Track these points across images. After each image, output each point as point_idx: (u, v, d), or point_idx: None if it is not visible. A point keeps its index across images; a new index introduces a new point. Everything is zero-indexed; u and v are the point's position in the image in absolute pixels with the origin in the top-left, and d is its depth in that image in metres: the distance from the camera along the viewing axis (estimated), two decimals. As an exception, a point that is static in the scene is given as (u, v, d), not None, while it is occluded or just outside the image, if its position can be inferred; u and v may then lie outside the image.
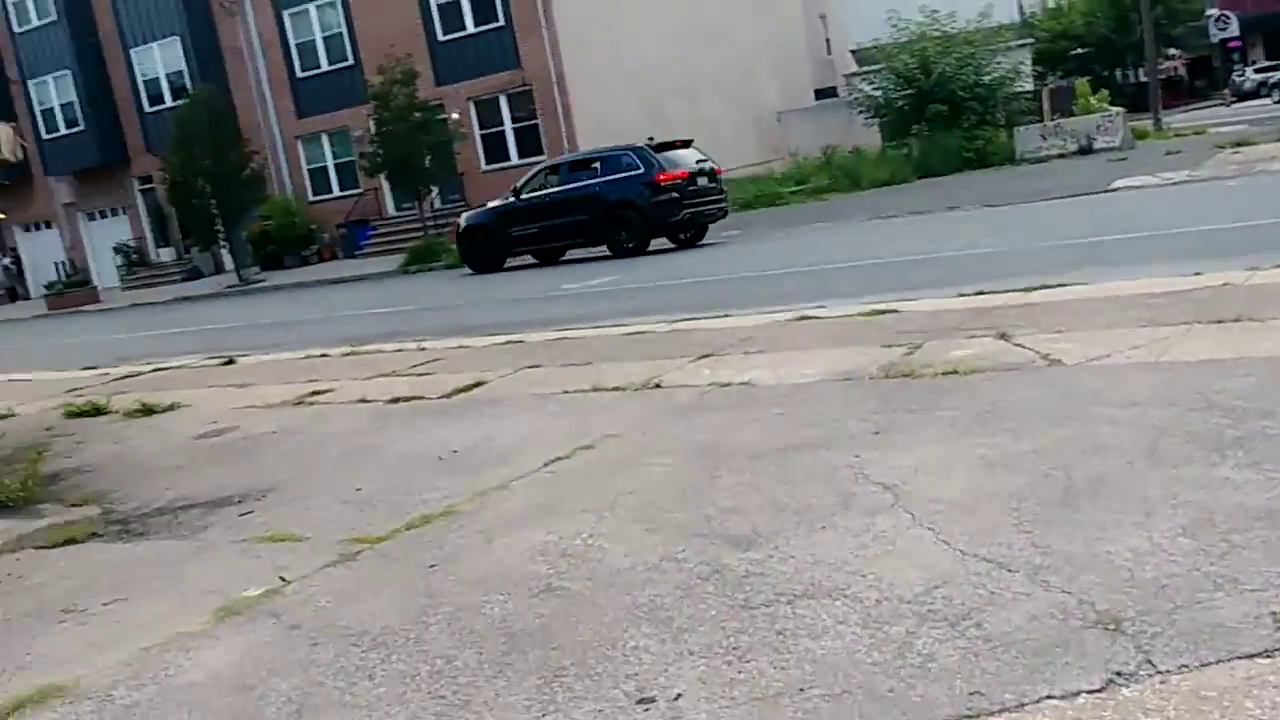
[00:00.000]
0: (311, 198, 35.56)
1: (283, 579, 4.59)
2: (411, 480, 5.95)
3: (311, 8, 34.09)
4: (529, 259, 23.49)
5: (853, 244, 16.79)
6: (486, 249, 23.12)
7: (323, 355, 12.17)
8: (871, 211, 21.80)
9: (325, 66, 34.21)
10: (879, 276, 12.50)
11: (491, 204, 23.78)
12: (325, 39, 34.15)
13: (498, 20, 30.80)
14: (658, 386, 7.35)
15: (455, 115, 31.61)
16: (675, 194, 20.64)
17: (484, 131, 31.88)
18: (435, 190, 31.72)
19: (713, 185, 21.82)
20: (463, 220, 24.23)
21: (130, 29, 37.05)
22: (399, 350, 11.52)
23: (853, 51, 38.42)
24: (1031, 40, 41.44)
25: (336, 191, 34.81)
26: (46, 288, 39.46)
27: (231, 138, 32.00)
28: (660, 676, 3.18)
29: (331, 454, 7.01)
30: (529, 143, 31.15)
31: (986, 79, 31.54)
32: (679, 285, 15.32)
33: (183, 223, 33.70)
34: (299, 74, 34.84)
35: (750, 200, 27.30)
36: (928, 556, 3.69)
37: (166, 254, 39.35)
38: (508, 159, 31.66)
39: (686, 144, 22.60)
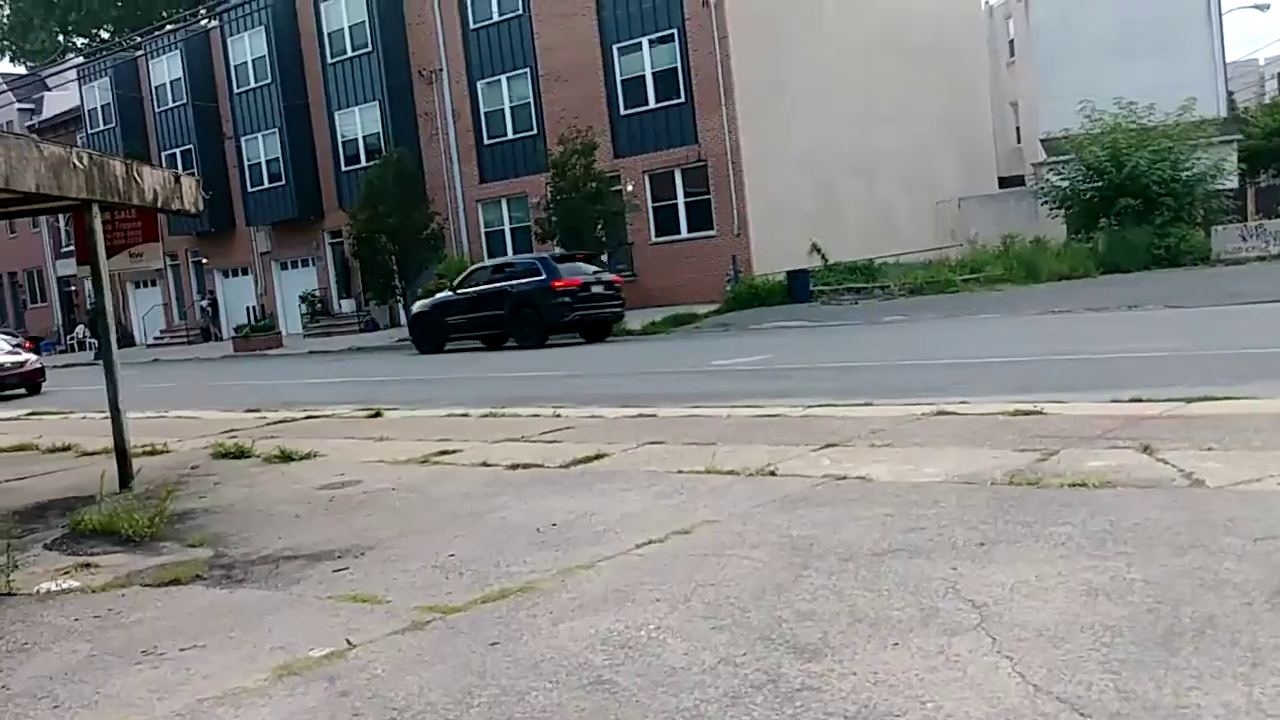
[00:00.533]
0: (487, 260, 36.48)
1: (349, 642, 4.55)
2: (504, 551, 5.88)
3: (504, 79, 35.23)
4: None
5: (1014, 337, 16.24)
6: (429, 333, 26.92)
7: (463, 415, 12.31)
8: (1044, 305, 21.07)
9: (510, 135, 35.25)
10: (1033, 373, 12.00)
11: (436, 296, 27.50)
12: (513, 108, 35.21)
13: (679, 97, 31.21)
14: (772, 474, 7.13)
15: (630, 187, 32.09)
16: (567, 298, 24.22)
17: (656, 204, 32.22)
18: (604, 258, 32.15)
19: (608, 293, 25.04)
20: (414, 307, 28.04)
21: (336, 93, 38.94)
22: (535, 415, 11.56)
23: (1042, 140, 37.56)
24: (1240, 136, 39.75)
25: (510, 255, 35.64)
26: (234, 330, 41.46)
27: (416, 198, 33.20)
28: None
29: (439, 516, 7.01)
30: (700, 218, 31.33)
31: (1184, 174, 30.30)
32: (823, 370, 15.01)
33: (364, 276, 34.98)
34: (485, 140, 35.98)
35: (919, 286, 26.79)
36: (997, 688, 3.39)
37: (348, 305, 40.91)
38: (677, 232, 31.90)
39: (589, 257, 26.48)
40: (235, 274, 46.38)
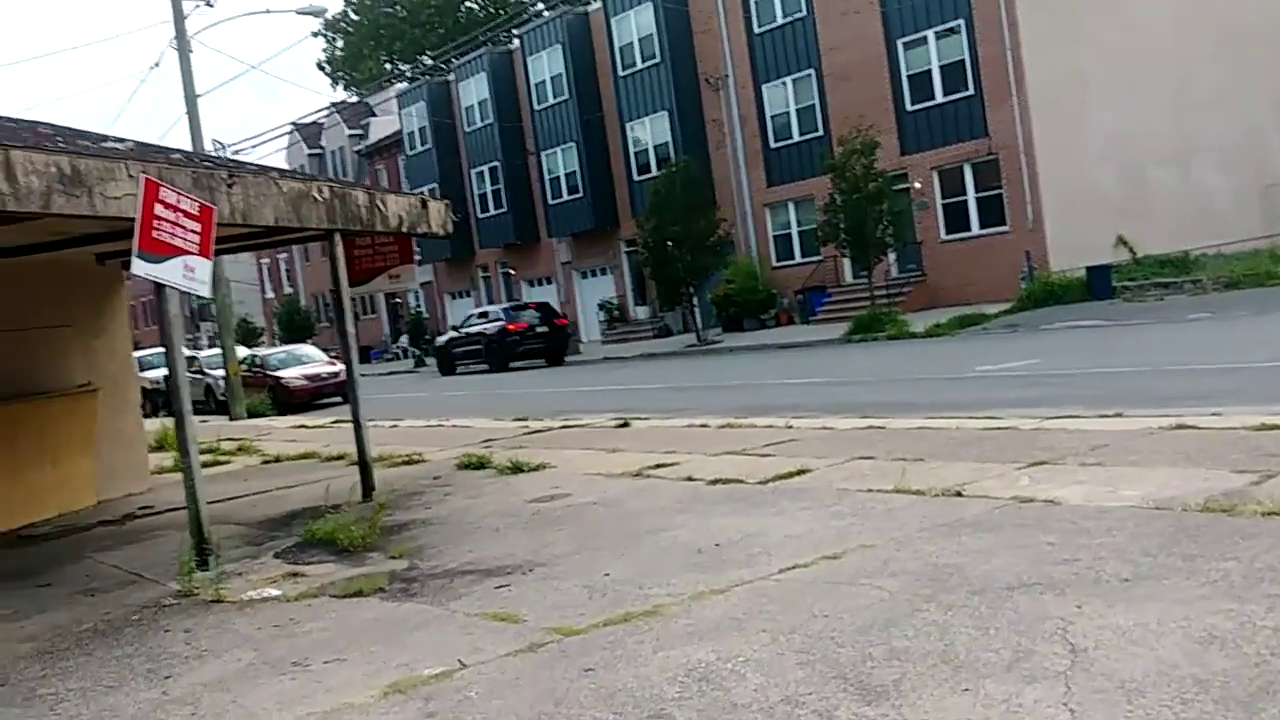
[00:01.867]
0: (775, 263, 36.52)
1: (461, 662, 4.72)
2: (657, 571, 5.92)
3: (789, 80, 35.15)
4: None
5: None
6: (445, 361, 37.46)
7: (702, 425, 12.43)
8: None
9: (796, 137, 35.11)
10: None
11: (449, 334, 38.82)
12: (798, 111, 35.06)
13: (967, 89, 30.10)
14: (958, 494, 6.81)
15: (918, 184, 31.27)
16: (516, 338, 34.29)
17: (946, 201, 31.19)
18: (893, 258, 31.49)
19: (550, 332, 34.71)
20: (440, 340, 39.62)
21: (628, 105, 40.10)
22: (769, 426, 11.51)
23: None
24: None
25: (798, 258, 35.50)
26: (535, 340, 43.49)
27: (703, 205, 33.59)
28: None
29: (620, 533, 7.13)
30: (991, 213, 30.08)
31: None
32: (1090, 375, 14.07)
33: (654, 283, 35.82)
34: (772, 144, 36.01)
35: (1235, 279, 24.62)
36: (1041, 748, 3.13)
37: (643, 311, 41.96)
38: (968, 229, 30.76)
39: (540, 305, 36.68)
40: (540, 284, 48.55)
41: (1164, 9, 31.35)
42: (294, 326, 59.65)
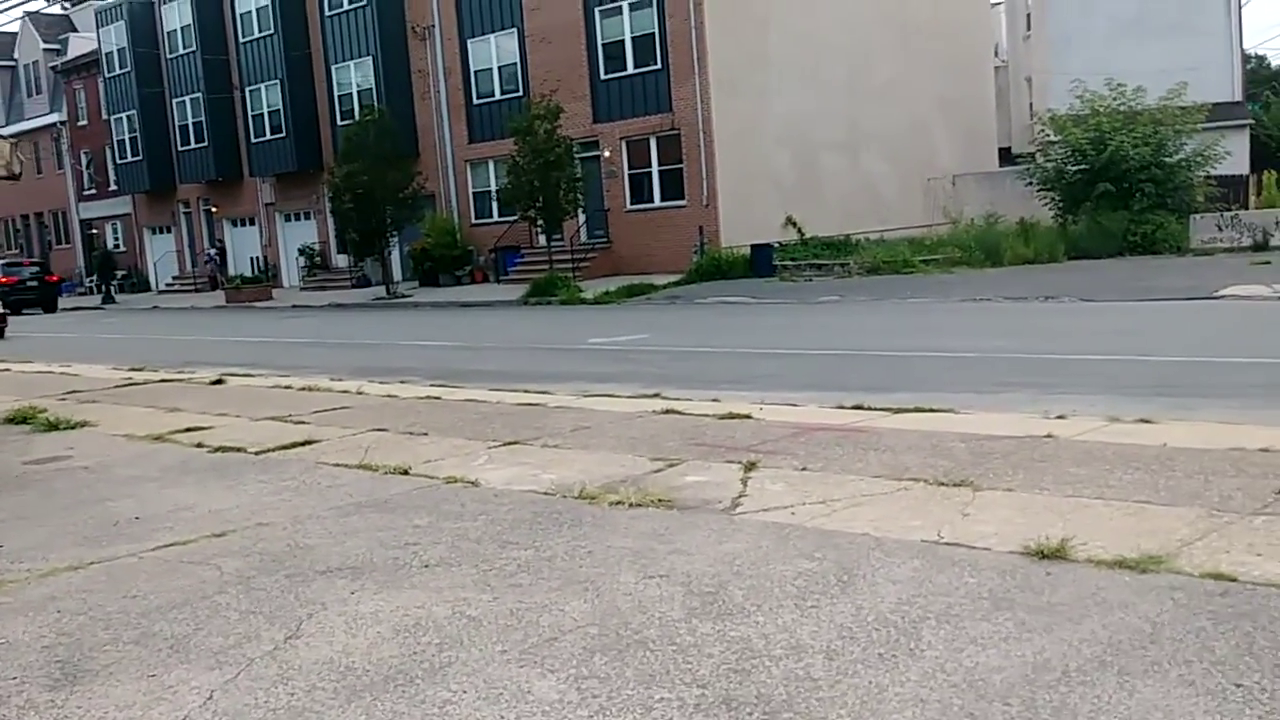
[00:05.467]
0: (474, 220, 36.48)
1: None
2: (56, 543, 5.91)
3: (492, 38, 35.02)
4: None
5: (886, 329, 15.98)
6: None
7: (287, 386, 12.43)
8: (974, 291, 20.63)
9: (499, 95, 35.05)
10: (829, 370, 11.82)
11: None
12: (501, 68, 34.99)
13: (655, 63, 30.81)
14: (404, 473, 7.07)
15: (608, 153, 31.87)
16: (7, 289, 37.36)
17: (633, 171, 31.91)
18: (583, 221, 32.05)
19: (39, 285, 40.85)
20: None
21: (334, 46, 38.98)
22: (343, 391, 11.61)
23: (1035, 121, 36.63)
24: (1250, 121, 38.47)
25: (496, 216, 35.58)
26: (226, 281, 41.97)
27: (399, 156, 33.16)
28: None
29: (74, 500, 7.06)
30: (672, 187, 30.99)
31: (1168, 159, 29.39)
32: (673, 353, 14.83)
33: (341, 233, 35.16)
34: (475, 100, 35.84)
35: (876, 266, 26.36)
36: None
37: (343, 260, 41.14)
38: (651, 200, 31.60)
39: (35, 262, 44.24)
40: (243, 224, 46.80)
41: (845, 1, 33.01)
42: (-27, 251, 55.42)
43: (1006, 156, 41.03)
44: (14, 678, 3.94)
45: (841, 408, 8.52)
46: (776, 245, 28.88)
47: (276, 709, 3.50)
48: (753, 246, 28.13)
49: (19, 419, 10.81)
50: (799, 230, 30.80)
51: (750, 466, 6.50)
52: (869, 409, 8.33)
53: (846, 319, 18.16)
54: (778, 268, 27.79)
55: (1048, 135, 31.87)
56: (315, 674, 3.76)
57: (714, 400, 9.36)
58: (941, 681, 3.40)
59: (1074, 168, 30.28)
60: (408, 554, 5.15)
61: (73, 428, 10.15)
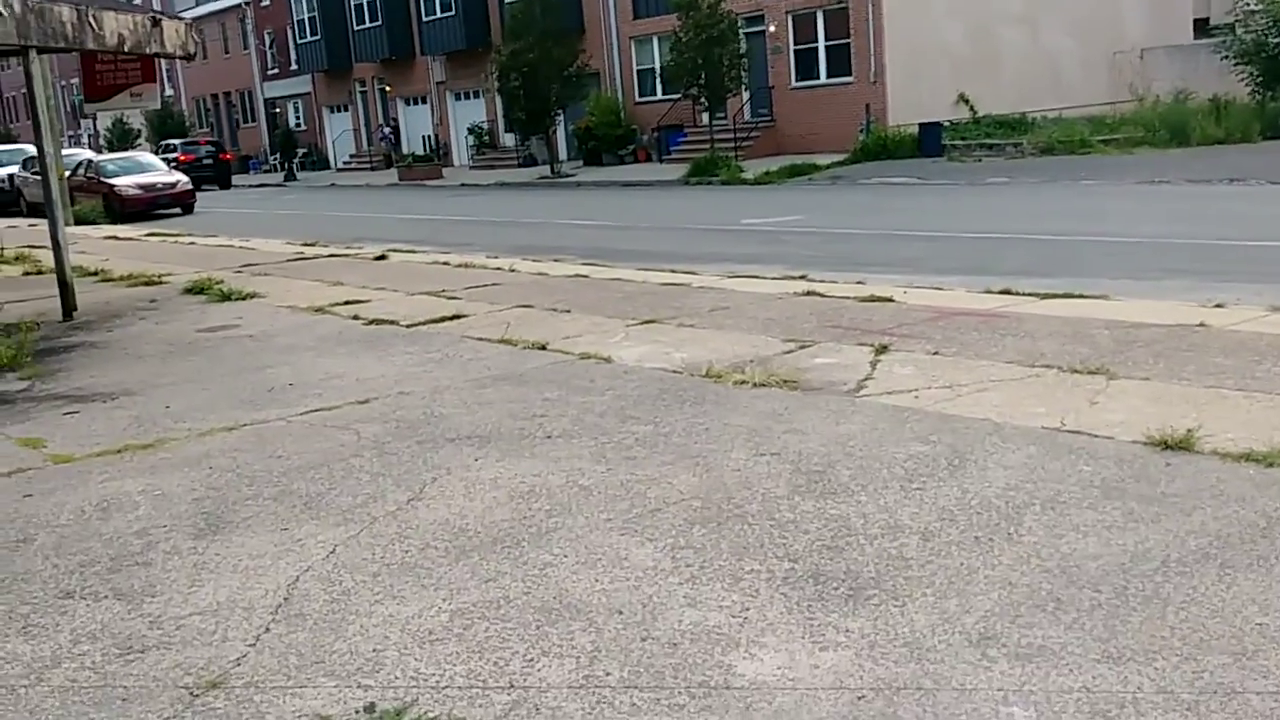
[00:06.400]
0: (638, 98, 36.29)
1: (-61, 482, 5.07)
2: (216, 406, 6.31)
3: (662, -92, 34.34)
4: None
5: (1051, 212, 15.40)
6: None
7: (444, 263, 12.78)
8: (1153, 173, 19.63)
9: (665, -32, 34.48)
10: (978, 253, 11.50)
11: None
12: (669, -60, 34.34)
13: (825, -67, 29.82)
14: (542, 348, 7.26)
15: (773, 28, 31.14)
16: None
17: (798, 47, 31.11)
18: (747, 99, 31.55)
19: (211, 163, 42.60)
20: None
21: (505, -81, 38.88)
22: (497, 269, 11.88)
23: (1240, -13, 34.09)
24: None
25: (660, 95, 35.29)
26: (399, 159, 42.95)
27: (565, 32, 33.11)
28: None
29: (235, 366, 7.50)
30: (839, 63, 30.14)
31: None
32: (825, 234, 14.62)
33: (508, 113, 35.44)
34: (641, -26, 35.41)
35: (1051, 146, 25.27)
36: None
37: (510, 139, 41.57)
38: (817, 77, 30.83)
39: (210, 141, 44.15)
40: (415, 103, 47.67)
41: None
42: (166, 131, 57.89)
43: (1202, 28, 38.43)
44: (164, 525, 4.28)
45: (989, 292, 8.33)
46: (946, 124, 27.92)
47: (390, 564, 3.73)
48: (921, 125, 27.26)
49: (197, 289, 11.45)
50: (971, 108, 29.72)
51: (881, 350, 6.46)
52: (1016, 294, 8.12)
53: (1012, 201, 17.56)
54: (946, 147, 26.92)
55: (1248, 4, 29.71)
56: (430, 534, 3.98)
57: (858, 283, 9.26)
58: (1034, 566, 3.39)
59: (1276, 40, 28.25)
60: (533, 425, 5.33)
61: (243, 298, 10.70)
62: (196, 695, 2.94)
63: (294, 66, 53.56)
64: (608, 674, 2.91)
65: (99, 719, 2.86)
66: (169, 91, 66.51)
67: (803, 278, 9.87)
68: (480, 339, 7.76)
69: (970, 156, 26.00)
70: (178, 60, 12.47)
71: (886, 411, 5.19)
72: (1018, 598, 3.19)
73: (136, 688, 3.00)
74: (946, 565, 3.44)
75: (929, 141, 27.01)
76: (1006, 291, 8.21)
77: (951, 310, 7.60)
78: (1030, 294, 8.03)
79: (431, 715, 2.75)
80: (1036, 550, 3.50)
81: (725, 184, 26.04)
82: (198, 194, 31.29)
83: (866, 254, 12.21)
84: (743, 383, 5.87)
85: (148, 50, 11.34)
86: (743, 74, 28.61)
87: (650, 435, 5.03)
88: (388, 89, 48.69)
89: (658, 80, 35.41)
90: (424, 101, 47.22)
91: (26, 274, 14.42)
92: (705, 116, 32.49)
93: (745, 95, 31.28)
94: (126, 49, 11.00)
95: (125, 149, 48.50)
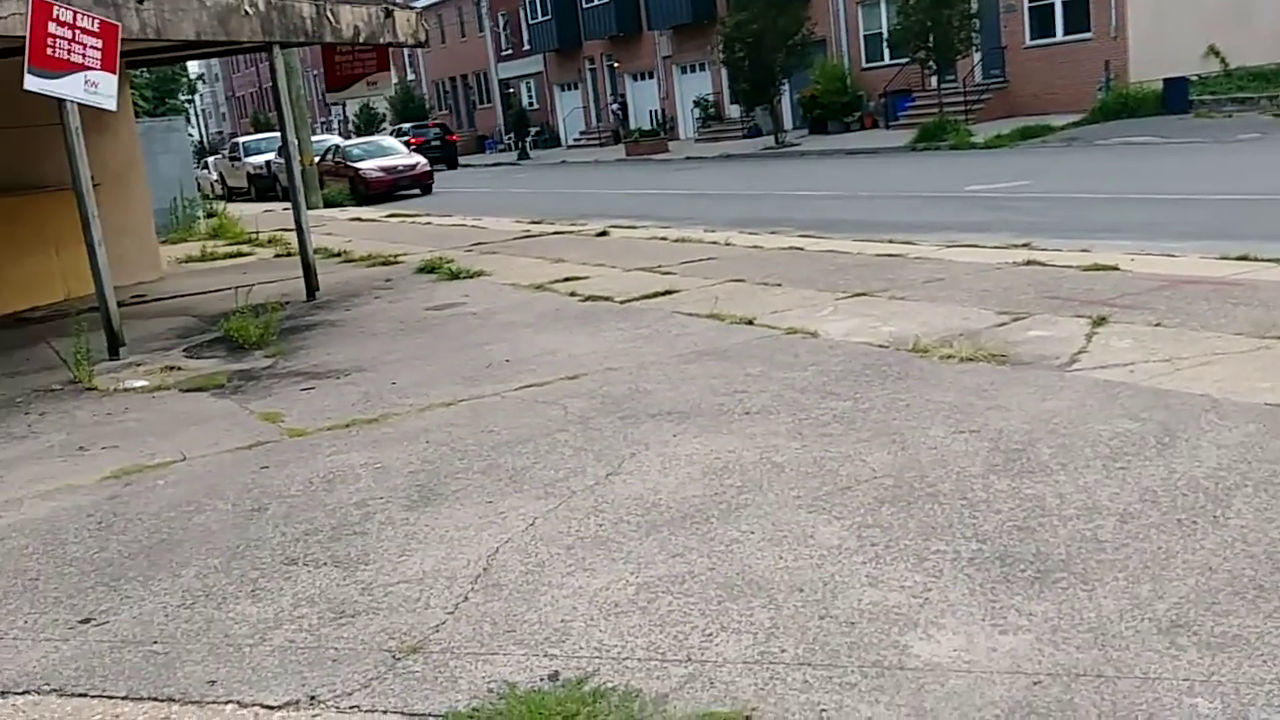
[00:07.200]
0: (864, 64, 35.60)
1: (184, 455, 5.56)
2: (436, 381, 6.64)
3: None
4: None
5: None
6: None
7: (662, 238, 12.93)
8: None
9: (894, -69, 33.65)
10: (1223, 216, 10.79)
11: None
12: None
13: (1062, -120, 28.40)
14: (749, 323, 7.30)
15: (1007, -16, 29.95)
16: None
17: (1033, 3, 29.81)
18: (978, 60, 30.51)
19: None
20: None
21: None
22: (712, 243, 11.98)
23: None
24: None
25: (887, 60, 34.51)
26: (626, 135, 43.52)
27: (787, 2, 32.76)
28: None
29: (458, 343, 7.86)
30: (1077, 18, 28.66)
31: None
32: (1048, 200, 13.99)
33: (733, 84, 35.35)
34: (866, -63, 34.67)
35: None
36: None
37: (735, 110, 41.51)
38: (1053, 34, 29.46)
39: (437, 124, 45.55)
40: (642, 78, 48.21)
41: None
42: (408, 114, 60.53)
43: None
44: (381, 497, 4.57)
45: (1224, 259, 7.86)
46: (1193, 79, 26.22)
47: (584, 537, 3.87)
48: (1165, 80, 25.68)
49: (428, 268, 12.01)
50: (1221, 60, 27.78)
51: (1100, 321, 6.21)
52: (1255, 260, 7.63)
53: (1264, 159, 16.39)
54: (1193, 103, 25.31)
55: None
56: (624, 508, 4.10)
57: (1084, 250, 8.89)
58: (1238, 551, 3.23)
59: None
60: (733, 401, 5.40)
61: (470, 277, 11.16)
62: (398, 659, 3.14)
63: (526, 47, 55.04)
64: (783, 650, 2.95)
65: (311, 677, 3.10)
66: (410, 76, 69.73)
67: (1025, 246, 9.54)
68: (689, 314, 7.87)
69: (1219, 112, 24.38)
70: (411, 48, 13.01)
71: (1097, 387, 5.00)
72: (1216, 584, 3.05)
73: (345, 650, 3.24)
74: (1143, 549, 3.31)
75: (1174, 97, 25.44)
76: (1244, 258, 7.72)
77: (1180, 278, 7.22)
78: (1271, 260, 7.53)
79: (610, 685, 2.86)
80: (1243, 535, 3.33)
81: (953, 149, 25.29)
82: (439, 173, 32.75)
83: (1097, 219, 11.68)
84: (949, 357, 5.77)
85: (381, 40, 11.94)
86: (973, 34, 27.70)
87: (849, 411, 5.02)
88: (616, 65, 49.43)
89: (884, 45, 34.65)
90: (650, 76, 47.70)
91: (278, 256, 15.42)
92: (934, 80, 31.66)
93: (976, 56, 30.24)
94: (362, 39, 11.61)
95: (370, 134, 51.00)
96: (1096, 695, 2.60)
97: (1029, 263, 8.49)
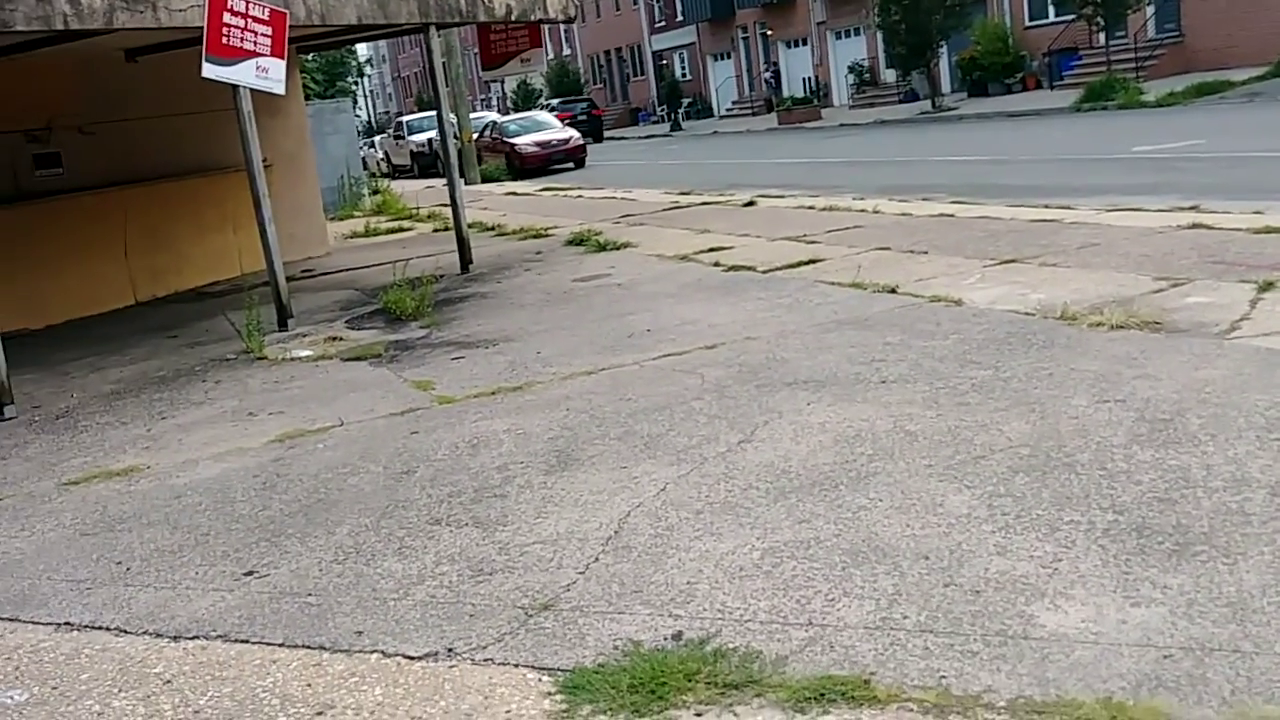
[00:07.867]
0: (1027, 22, 34.44)
1: (341, 420, 5.81)
2: (579, 351, 6.78)
3: None
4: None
5: None
6: None
7: (809, 207, 12.83)
8: None
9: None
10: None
11: None
12: None
13: None
14: (891, 292, 7.22)
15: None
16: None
17: (1212, -47, 28.37)
18: (1151, 14, 29.21)
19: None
20: None
21: None
22: (861, 210, 11.82)
23: None
24: None
25: (1051, 17, 33.34)
26: (779, 103, 43.10)
27: (946, -38, 31.98)
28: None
29: (601, 314, 7.98)
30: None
31: None
32: (1225, 159, 13.33)
33: (889, 48, 34.65)
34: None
35: None
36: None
37: (891, 75, 40.68)
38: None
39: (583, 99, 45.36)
40: (795, 45, 47.65)
41: None
42: (563, 88, 61.18)
43: None
44: (521, 462, 4.71)
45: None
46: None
47: (713, 503, 3.93)
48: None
49: (577, 241, 12.19)
50: None
51: (1266, 287, 5.94)
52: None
53: None
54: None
55: None
56: (754, 474, 4.14)
57: (1256, 213, 8.47)
58: (1396, 526, 3.09)
59: None
60: (870, 370, 5.37)
61: (617, 248, 11.29)
62: (530, 615, 3.26)
63: (679, 18, 54.98)
64: (905, 617, 2.96)
65: (449, 630, 3.24)
66: (566, 51, 70.43)
67: (1193, 209, 9.14)
68: (832, 283, 7.81)
69: None
70: (563, 24, 13.20)
71: (1257, 355, 4.80)
72: (1369, 559, 2.93)
73: (482, 606, 3.37)
74: (1290, 522, 3.20)
75: (1368, 47, 23.93)
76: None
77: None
78: None
79: (730, 646, 2.92)
80: (1404, 509, 3.18)
81: (1122, 108, 24.29)
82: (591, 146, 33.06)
83: (1276, 180, 11.09)
84: (1098, 325, 5.61)
85: (533, 17, 12.13)
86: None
87: (988, 380, 4.94)
88: (769, 33, 48.95)
89: (1049, 2, 33.49)
90: (804, 43, 47.13)
91: (436, 231, 15.84)
92: (1101, 37, 30.41)
93: (1149, 10, 28.96)
94: (514, 18, 11.81)
95: (528, 109, 51.79)
96: (1231, 670, 2.54)
97: (1194, 226, 8.15)
